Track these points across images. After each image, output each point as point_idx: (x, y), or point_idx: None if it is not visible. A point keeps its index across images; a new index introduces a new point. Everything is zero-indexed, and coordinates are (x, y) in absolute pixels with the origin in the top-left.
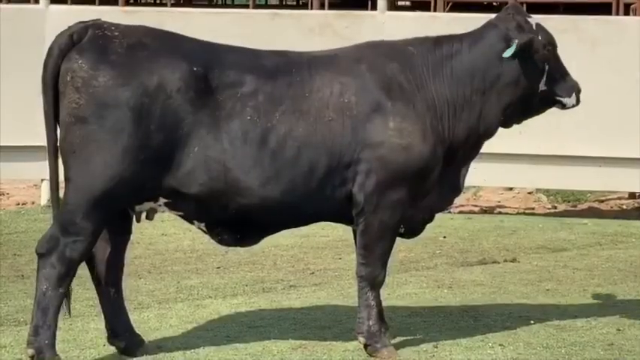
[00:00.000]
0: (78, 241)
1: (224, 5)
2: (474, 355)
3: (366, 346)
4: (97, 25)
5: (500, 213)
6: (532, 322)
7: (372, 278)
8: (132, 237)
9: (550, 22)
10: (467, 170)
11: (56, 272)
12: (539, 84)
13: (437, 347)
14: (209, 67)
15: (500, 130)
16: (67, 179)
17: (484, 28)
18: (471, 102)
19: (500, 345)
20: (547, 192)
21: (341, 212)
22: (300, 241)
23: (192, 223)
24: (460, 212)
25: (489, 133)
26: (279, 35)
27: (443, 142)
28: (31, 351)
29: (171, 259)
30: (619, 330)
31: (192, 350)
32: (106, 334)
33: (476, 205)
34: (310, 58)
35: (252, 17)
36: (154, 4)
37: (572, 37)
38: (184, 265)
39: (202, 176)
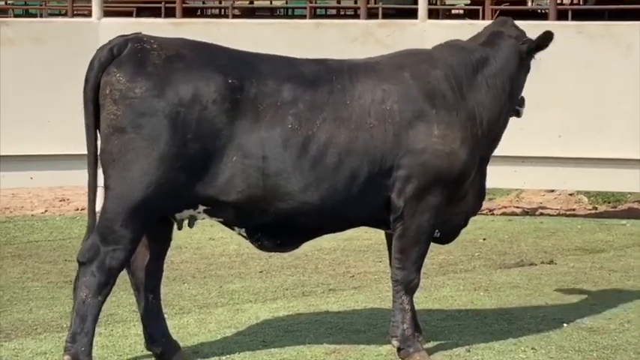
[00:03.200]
0: (117, 249)
1: (285, 16)
2: (506, 358)
3: (399, 349)
4: (137, 38)
5: (541, 214)
6: (565, 324)
7: (407, 282)
8: (180, 242)
9: (586, 29)
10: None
11: (96, 281)
12: (522, 89)
13: (469, 351)
14: (246, 78)
15: (541, 133)
16: (106, 187)
17: (497, 39)
18: (504, 108)
19: (532, 349)
20: (588, 193)
21: (380, 217)
22: (343, 244)
23: (232, 229)
24: (502, 214)
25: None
26: (323, 44)
27: (480, 148)
28: (67, 357)
29: (216, 264)
30: None
31: (228, 355)
32: (144, 340)
33: (518, 207)
34: (351, 65)
35: (297, 27)
36: (219, 16)
37: (608, 43)
38: (228, 269)
39: (241, 184)
